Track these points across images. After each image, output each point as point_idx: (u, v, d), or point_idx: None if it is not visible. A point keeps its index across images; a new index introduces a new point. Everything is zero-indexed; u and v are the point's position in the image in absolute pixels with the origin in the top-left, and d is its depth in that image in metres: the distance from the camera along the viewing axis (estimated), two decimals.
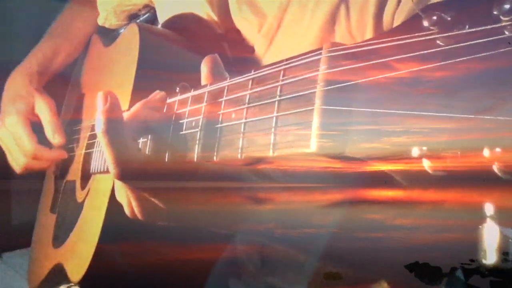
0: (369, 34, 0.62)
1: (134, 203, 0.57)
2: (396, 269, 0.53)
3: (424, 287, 0.50)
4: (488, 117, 0.29)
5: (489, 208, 0.31)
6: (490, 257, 0.32)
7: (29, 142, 0.96)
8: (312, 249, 0.64)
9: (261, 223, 0.61)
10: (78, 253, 0.80)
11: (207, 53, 0.53)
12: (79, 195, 0.88)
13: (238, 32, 0.73)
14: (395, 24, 0.60)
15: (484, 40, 0.29)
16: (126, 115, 0.55)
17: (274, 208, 0.55)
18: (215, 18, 0.75)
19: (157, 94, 0.57)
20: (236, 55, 0.72)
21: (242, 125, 0.44)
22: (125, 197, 0.57)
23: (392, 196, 0.37)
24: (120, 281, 0.72)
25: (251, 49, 0.72)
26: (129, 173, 0.52)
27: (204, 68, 0.52)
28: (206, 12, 0.75)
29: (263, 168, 0.47)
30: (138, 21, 1.01)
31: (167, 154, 0.53)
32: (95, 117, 0.52)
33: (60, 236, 0.92)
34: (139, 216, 0.57)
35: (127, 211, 0.58)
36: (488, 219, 0.31)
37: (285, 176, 0.48)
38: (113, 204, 0.60)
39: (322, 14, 0.64)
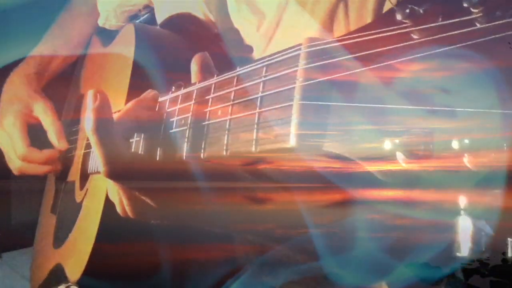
0: None
1: (125, 202, 0.57)
2: (396, 269, 0.53)
3: (424, 287, 0.50)
4: (488, 116, 0.29)
5: (463, 201, 0.32)
6: (464, 250, 0.32)
7: (21, 144, 0.96)
8: (312, 249, 0.64)
9: (261, 223, 0.61)
10: (77, 253, 0.80)
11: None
12: (78, 195, 0.88)
13: (236, 31, 0.73)
14: None
15: (457, 32, 0.29)
16: (118, 114, 0.54)
17: (274, 208, 0.55)
18: (212, 18, 0.75)
19: (149, 93, 0.57)
20: (235, 55, 0.71)
21: (227, 122, 0.44)
22: (116, 195, 0.57)
23: (392, 196, 0.37)
24: (117, 280, 0.72)
25: (250, 49, 0.72)
26: (118, 171, 0.52)
27: (194, 66, 0.52)
28: (203, 12, 0.75)
29: (262, 168, 0.47)
30: (137, 21, 1.01)
31: (158, 153, 0.53)
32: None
33: (60, 236, 0.92)
34: (130, 214, 0.57)
35: (118, 209, 0.59)
36: (462, 212, 0.32)
37: (284, 176, 0.48)
38: (110, 203, 0.61)
39: (321, 13, 0.64)
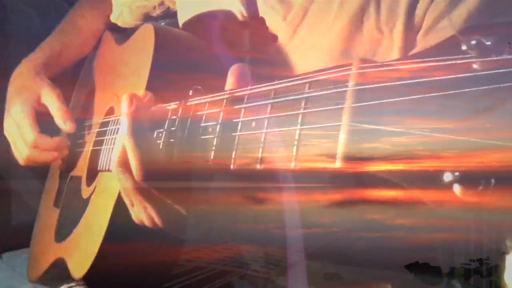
0: (398, 29, 0.61)
1: (154, 215, 0.57)
2: (396, 269, 0.53)
3: (424, 287, 0.50)
4: (488, 117, 0.29)
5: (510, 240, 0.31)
6: None
7: (31, 131, 0.96)
8: (312, 249, 0.64)
9: (261, 223, 0.61)
10: (82, 250, 0.79)
11: (224, 51, 0.53)
12: (85, 191, 0.88)
13: (262, 20, 0.72)
14: (425, 21, 0.60)
15: None
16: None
17: (274, 208, 0.55)
18: (246, 14, 0.74)
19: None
20: (258, 42, 0.71)
21: (263, 135, 0.43)
22: (143, 212, 0.58)
23: (392, 196, 0.37)
24: (123, 280, 0.72)
25: (274, 38, 0.71)
26: (152, 174, 0.53)
27: (231, 78, 0.51)
28: (239, 10, 0.75)
29: (262, 168, 0.47)
30: (151, 20, 1.01)
31: (177, 155, 0.53)
32: (116, 117, 0.52)
33: (63, 230, 0.91)
34: (159, 223, 0.57)
35: (147, 222, 0.58)
36: (508, 251, 0.31)
37: (285, 176, 0.48)
38: (120, 204, 0.60)
39: (351, 6, 0.64)
